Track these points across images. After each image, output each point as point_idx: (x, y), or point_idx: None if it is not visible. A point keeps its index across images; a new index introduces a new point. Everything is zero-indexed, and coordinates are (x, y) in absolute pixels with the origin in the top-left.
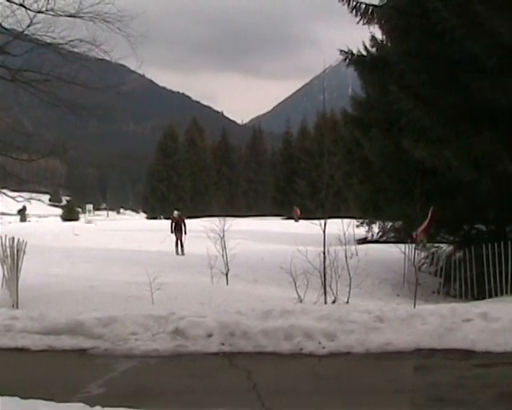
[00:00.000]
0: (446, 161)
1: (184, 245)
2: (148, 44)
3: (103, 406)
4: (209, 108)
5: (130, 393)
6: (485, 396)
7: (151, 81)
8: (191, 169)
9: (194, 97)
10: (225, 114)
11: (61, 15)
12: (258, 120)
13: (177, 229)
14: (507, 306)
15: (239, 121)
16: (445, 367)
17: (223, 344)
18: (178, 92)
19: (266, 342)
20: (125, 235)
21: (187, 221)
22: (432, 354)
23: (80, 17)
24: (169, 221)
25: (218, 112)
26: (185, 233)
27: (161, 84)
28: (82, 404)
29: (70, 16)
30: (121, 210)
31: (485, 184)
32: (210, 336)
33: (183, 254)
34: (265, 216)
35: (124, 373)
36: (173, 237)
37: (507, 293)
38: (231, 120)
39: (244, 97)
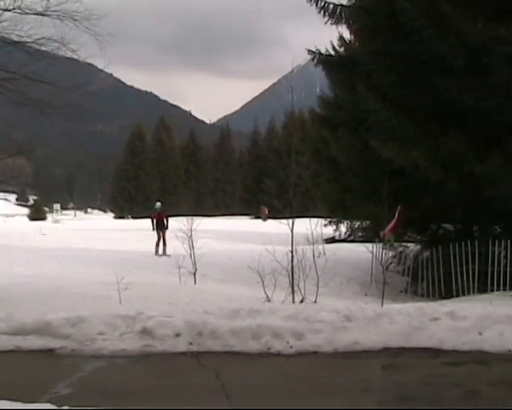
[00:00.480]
0: (414, 162)
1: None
2: (117, 43)
3: (71, 406)
4: (177, 107)
5: (99, 393)
6: (452, 395)
7: (119, 80)
8: (159, 168)
9: (163, 97)
10: (193, 113)
11: (28, 13)
12: (226, 120)
13: (160, 225)
14: (474, 305)
15: (207, 121)
16: (413, 366)
17: (191, 344)
18: (146, 91)
19: (234, 342)
20: (93, 235)
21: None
22: (399, 353)
23: (48, 15)
24: (137, 220)
25: (186, 111)
26: (167, 228)
27: (129, 83)
28: (49, 404)
29: (37, 14)
30: (89, 210)
31: (452, 184)
32: (178, 335)
33: (164, 253)
34: (233, 215)
35: (92, 373)
36: (154, 234)
37: (474, 292)
38: (199, 120)
39: (212, 97)
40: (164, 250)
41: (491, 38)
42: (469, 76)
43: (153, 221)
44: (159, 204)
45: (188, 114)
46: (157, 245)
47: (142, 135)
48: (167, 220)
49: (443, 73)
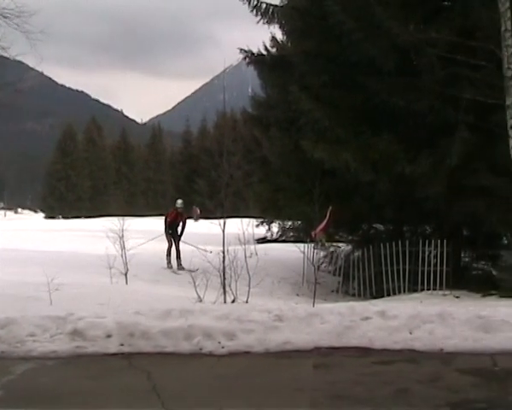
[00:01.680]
0: (345, 162)
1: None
2: (48, 41)
3: (1, 408)
4: (108, 106)
5: (29, 395)
6: (383, 393)
7: (50, 79)
8: (90, 168)
9: (94, 96)
10: (125, 112)
11: None
12: (158, 120)
13: (174, 229)
14: (404, 304)
15: (139, 120)
16: (344, 365)
17: (122, 345)
18: (78, 90)
19: (166, 343)
20: (23, 235)
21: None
22: (331, 353)
23: None
24: (68, 220)
25: (117, 110)
26: (181, 235)
27: (60, 81)
28: None
29: None
30: (19, 209)
31: (383, 184)
32: (109, 336)
33: (180, 266)
34: (164, 216)
35: (22, 375)
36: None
37: (404, 291)
38: (131, 119)
39: (144, 96)
40: (178, 263)
41: (422, 39)
42: (400, 77)
43: (166, 221)
44: (181, 202)
45: (119, 114)
46: (168, 254)
47: (73, 134)
48: (184, 225)
49: (374, 74)
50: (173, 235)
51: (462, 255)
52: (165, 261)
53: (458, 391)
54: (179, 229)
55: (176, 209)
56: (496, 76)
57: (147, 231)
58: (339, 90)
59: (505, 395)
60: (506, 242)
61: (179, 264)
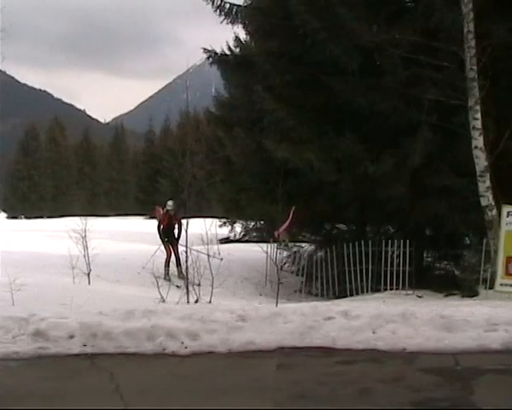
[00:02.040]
0: (308, 162)
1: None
2: (10, 40)
3: None
4: (71, 106)
5: None
6: (346, 393)
7: (12, 78)
8: (53, 168)
9: (57, 95)
10: (88, 112)
11: None
12: (121, 119)
13: (169, 233)
14: (367, 304)
15: (101, 120)
16: (308, 365)
17: (85, 345)
18: (40, 90)
19: (129, 343)
20: None
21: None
22: (294, 353)
23: None
24: (30, 220)
25: (80, 110)
26: (178, 238)
27: (23, 81)
28: None
29: None
30: None
31: (346, 184)
32: (72, 337)
33: (181, 275)
34: (128, 216)
35: None
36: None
37: (367, 291)
38: (94, 119)
39: (107, 96)
40: (179, 271)
41: (385, 40)
42: (364, 78)
43: (160, 228)
44: (171, 203)
45: (82, 113)
46: (167, 264)
47: (36, 134)
48: (180, 227)
49: (337, 74)
50: (170, 241)
51: (425, 255)
52: (163, 272)
53: (421, 390)
54: (175, 232)
55: (167, 212)
56: (458, 77)
57: (110, 231)
58: (302, 89)
59: (467, 394)
60: (468, 242)
61: (180, 272)
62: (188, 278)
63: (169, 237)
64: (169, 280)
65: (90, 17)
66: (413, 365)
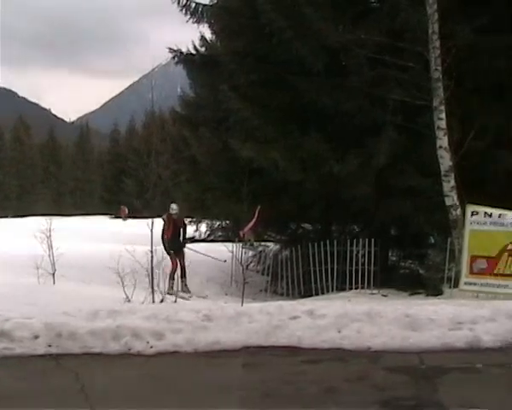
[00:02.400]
0: (273, 161)
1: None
2: None
3: None
4: (36, 104)
5: None
6: (311, 391)
7: None
8: (17, 167)
9: (22, 94)
10: (53, 111)
11: None
12: (87, 118)
13: (176, 242)
14: (333, 303)
15: (67, 119)
16: (273, 364)
17: (50, 346)
18: (5, 88)
19: (94, 343)
20: None
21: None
22: (259, 352)
23: None
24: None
25: (45, 109)
26: (184, 245)
27: None
28: None
29: None
30: None
31: (310, 184)
32: (37, 337)
33: (185, 288)
34: (93, 215)
35: None
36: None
37: (333, 290)
38: (59, 118)
39: (72, 95)
40: (183, 284)
41: (351, 40)
42: (329, 78)
43: (164, 238)
44: (175, 207)
45: (47, 112)
46: (172, 277)
47: (0, 133)
48: (185, 231)
49: (303, 74)
50: (177, 251)
51: (390, 255)
52: (167, 285)
53: (386, 389)
54: (180, 238)
55: (170, 217)
56: (423, 77)
57: (75, 230)
58: (268, 89)
59: (432, 392)
60: (433, 241)
61: (185, 284)
62: (153, 278)
63: (175, 246)
64: (173, 294)
65: (56, 15)
66: (378, 364)
